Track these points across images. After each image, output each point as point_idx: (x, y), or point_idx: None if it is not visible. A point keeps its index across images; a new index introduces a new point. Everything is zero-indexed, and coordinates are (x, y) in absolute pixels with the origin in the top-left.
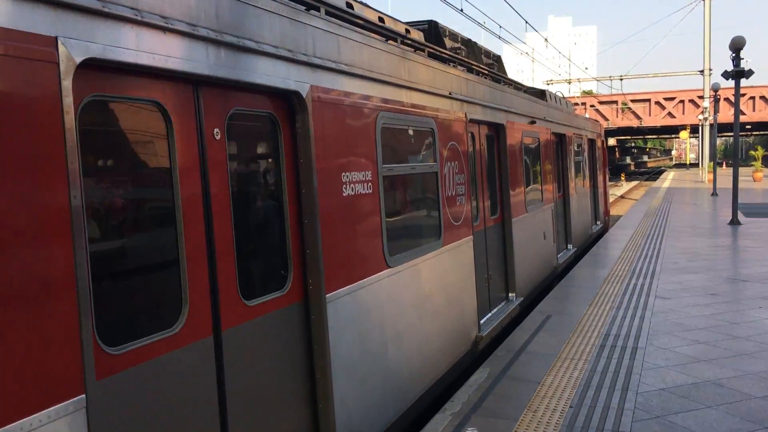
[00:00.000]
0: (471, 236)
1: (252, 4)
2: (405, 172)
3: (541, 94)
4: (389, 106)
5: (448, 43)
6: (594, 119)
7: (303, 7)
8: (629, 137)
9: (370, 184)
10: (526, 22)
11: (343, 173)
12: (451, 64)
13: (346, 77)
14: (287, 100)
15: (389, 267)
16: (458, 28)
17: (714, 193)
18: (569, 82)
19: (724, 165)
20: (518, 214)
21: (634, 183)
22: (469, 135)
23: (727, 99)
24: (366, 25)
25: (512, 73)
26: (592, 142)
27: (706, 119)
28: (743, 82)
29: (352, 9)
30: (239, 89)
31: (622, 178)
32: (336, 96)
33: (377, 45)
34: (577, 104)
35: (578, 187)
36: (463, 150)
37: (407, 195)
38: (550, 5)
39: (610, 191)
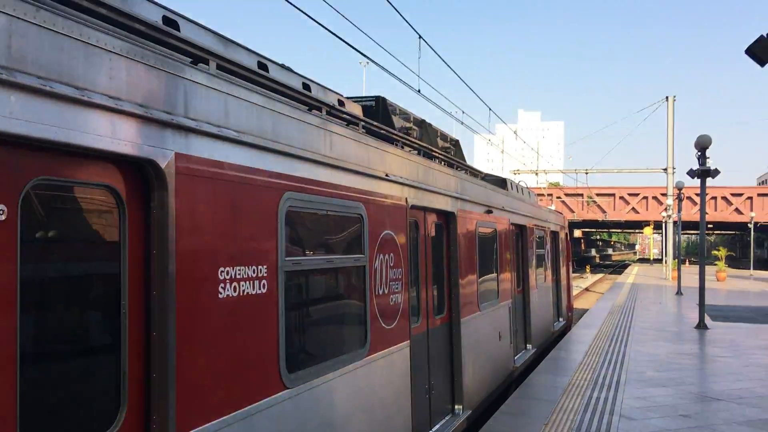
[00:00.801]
0: (408, 341)
1: (74, 36)
2: (319, 266)
3: (501, 182)
4: (300, 185)
5: (398, 121)
6: (558, 211)
7: (188, 59)
8: (594, 230)
9: (264, 281)
10: (490, 109)
11: (222, 269)
12: (397, 144)
13: (235, 146)
14: (140, 171)
15: (288, 388)
16: (431, 117)
17: (678, 292)
18: (536, 173)
19: (687, 262)
20: (469, 312)
21: (599, 276)
22: (411, 223)
23: (689, 198)
24: (277, 89)
25: (481, 163)
26: (555, 234)
27: (669, 216)
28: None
29: (266, 70)
30: (49, 151)
31: (587, 270)
32: (217, 169)
33: (287, 111)
34: (543, 195)
35: (539, 281)
36: (402, 240)
37: (321, 294)
38: (520, 100)
39: (575, 283)
